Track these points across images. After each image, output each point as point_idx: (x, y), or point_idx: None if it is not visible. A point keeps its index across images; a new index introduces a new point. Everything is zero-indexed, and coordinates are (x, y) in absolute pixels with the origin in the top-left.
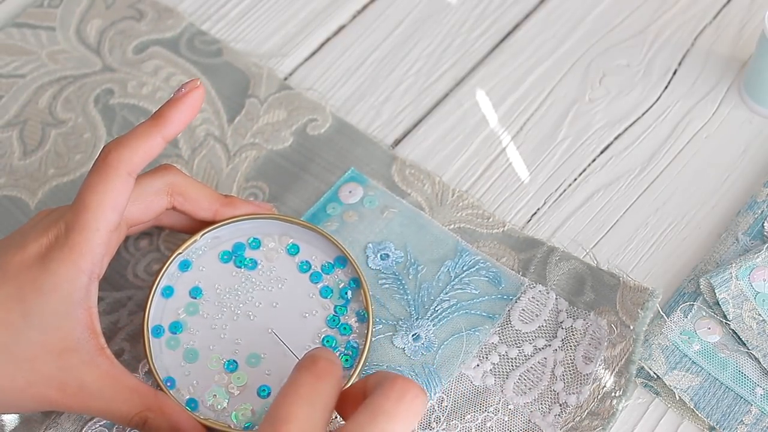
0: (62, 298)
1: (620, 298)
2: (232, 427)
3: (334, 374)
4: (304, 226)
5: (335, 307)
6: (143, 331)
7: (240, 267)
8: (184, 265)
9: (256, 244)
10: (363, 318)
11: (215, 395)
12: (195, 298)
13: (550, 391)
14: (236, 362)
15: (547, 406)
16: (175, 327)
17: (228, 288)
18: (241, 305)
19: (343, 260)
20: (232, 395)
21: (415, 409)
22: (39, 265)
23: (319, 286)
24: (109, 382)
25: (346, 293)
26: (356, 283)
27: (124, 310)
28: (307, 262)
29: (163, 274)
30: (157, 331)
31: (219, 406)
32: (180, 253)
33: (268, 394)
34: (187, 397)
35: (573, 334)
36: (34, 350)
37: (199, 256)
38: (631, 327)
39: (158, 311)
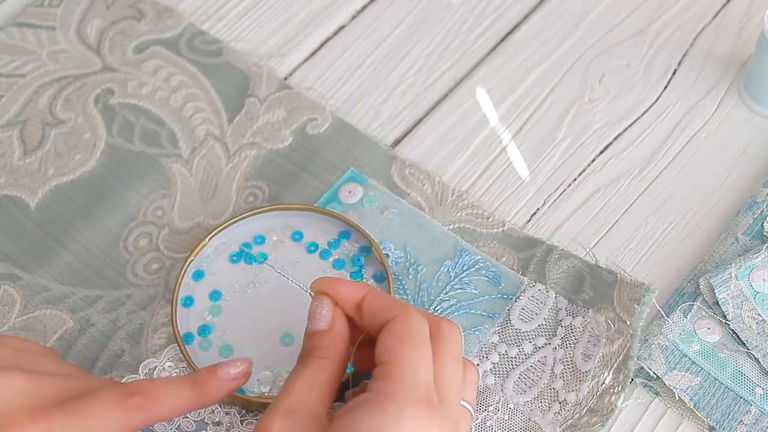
0: None
1: (617, 294)
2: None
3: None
4: (303, 209)
5: (351, 274)
6: (177, 339)
7: (251, 263)
8: (198, 275)
9: (261, 240)
10: (381, 278)
11: (258, 380)
12: (216, 301)
13: (550, 389)
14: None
15: (547, 404)
16: (204, 330)
17: (245, 282)
18: (260, 296)
19: (346, 234)
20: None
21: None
22: None
23: (331, 260)
24: None
25: (359, 259)
26: (366, 250)
27: (123, 308)
28: (313, 242)
29: (179, 285)
30: (188, 338)
31: (264, 389)
32: (192, 260)
33: None
34: None
35: (572, 332)
36: None
37: (210, 264)
38: (628, 323)
39: (183, 321)
